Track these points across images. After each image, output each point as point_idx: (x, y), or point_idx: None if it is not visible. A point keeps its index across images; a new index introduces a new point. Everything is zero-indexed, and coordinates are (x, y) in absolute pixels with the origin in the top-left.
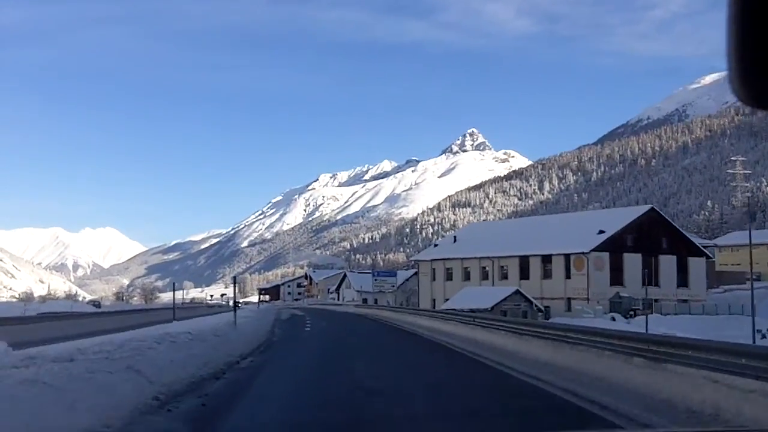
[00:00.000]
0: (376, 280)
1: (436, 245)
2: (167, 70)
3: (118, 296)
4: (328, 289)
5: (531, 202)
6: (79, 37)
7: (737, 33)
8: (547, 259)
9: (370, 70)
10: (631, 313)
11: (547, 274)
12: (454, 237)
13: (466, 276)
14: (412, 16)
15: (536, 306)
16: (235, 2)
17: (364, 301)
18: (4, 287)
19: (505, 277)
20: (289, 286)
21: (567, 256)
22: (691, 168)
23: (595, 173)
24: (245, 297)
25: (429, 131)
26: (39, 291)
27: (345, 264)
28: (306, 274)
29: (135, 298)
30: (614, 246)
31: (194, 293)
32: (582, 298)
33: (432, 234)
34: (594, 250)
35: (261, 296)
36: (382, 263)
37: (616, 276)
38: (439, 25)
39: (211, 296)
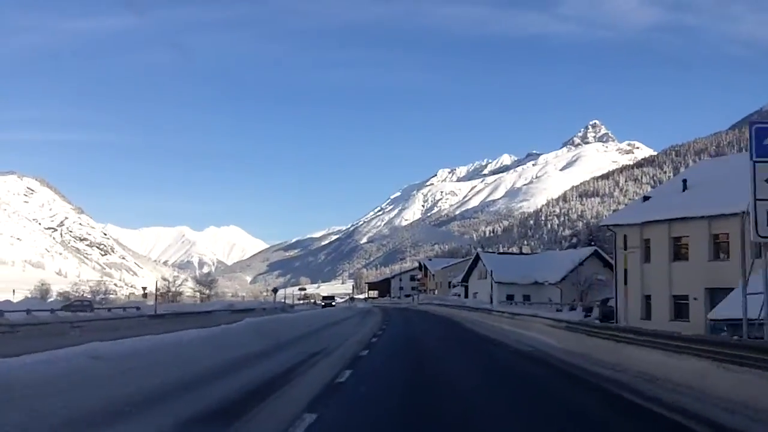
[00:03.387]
0: None
1: (646, 198)
2: (286, 71)
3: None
4: (450, 283)
5: None
6: (198, 41)
7: None
8: None
9: (488, 64)
10: None
11: None
12: (683, 182)
13: (718, 250)
14: (531, 9)
15: None
16: (350, 1)
17: (509, 297)
18: (126, 284)
19: None
20: (400, 280)
21: None
22: None
23: None
24: (362, 293)
25: (549, 124)
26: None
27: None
28: (420, 264)
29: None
30: None
31: (311, 289)
32: None
33: (558, 225)
34: None
35: (369, 292)
36: None
37: None
38: (560, 17)
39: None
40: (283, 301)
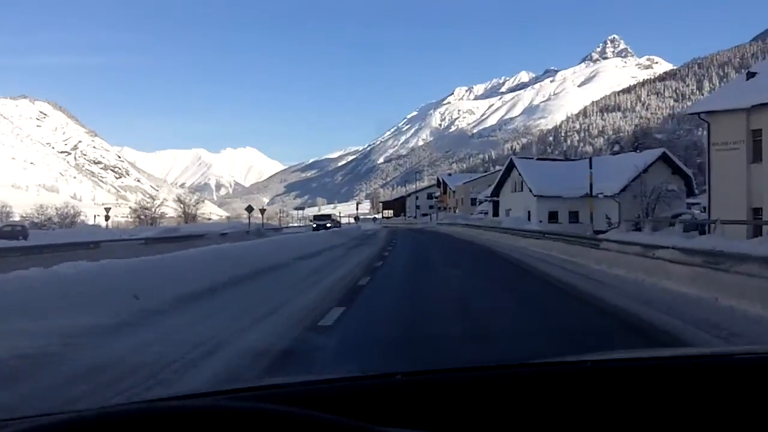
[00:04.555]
0: None
1: (751, 74)
2: None
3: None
4: (473, 200)
5: (689, 103)
6: None
7: None
8: None
9: None
10: None
11: None
12: None
13: None
14: None
15: None
16: None
17: (552, 216)
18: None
19: None
20: (416, 198)
21: None
22: None
23: None
24: (378, 213)
25: (567, 39)
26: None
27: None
28: (438, 179)
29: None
30: None
31: (327, 209)
32: None
33: (578, 141)
34: None
35: (383, 211)
36: None
37: None
38: None
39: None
40: (260, 224)
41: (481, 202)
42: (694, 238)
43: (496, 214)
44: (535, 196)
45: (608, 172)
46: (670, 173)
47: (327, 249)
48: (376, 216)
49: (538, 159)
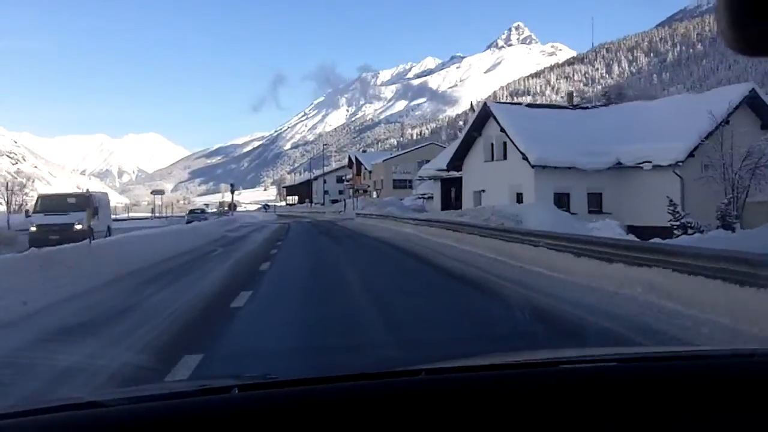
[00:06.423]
0: None
1: None
2: None
3: None
4: (398, 182)
5: (600, 87)
6: None
7: None
8: None
9: None
10: None
11: None
12: None
13: None
14: None
15: None
16: None
17: (560, 200)
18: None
19: None
20: (324, 181)
21: None
22: None
23: (670, 54)
24: (283, 200)
25: (473, 26)
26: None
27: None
28: (350, 158)
29: None
30: None
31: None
32: None
33: None
34: None
35: (288, 197)
36: None
37: None
38: None
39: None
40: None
41: (419, 182)
42: None
43: (449, 199)
44: (533, 167)
45: (657, 126)
46: (758, 128)
47: None
48: (268, 204)
49: (527, 106)
